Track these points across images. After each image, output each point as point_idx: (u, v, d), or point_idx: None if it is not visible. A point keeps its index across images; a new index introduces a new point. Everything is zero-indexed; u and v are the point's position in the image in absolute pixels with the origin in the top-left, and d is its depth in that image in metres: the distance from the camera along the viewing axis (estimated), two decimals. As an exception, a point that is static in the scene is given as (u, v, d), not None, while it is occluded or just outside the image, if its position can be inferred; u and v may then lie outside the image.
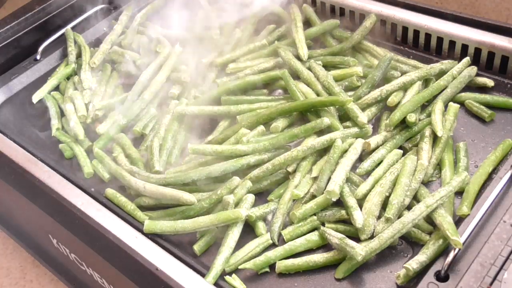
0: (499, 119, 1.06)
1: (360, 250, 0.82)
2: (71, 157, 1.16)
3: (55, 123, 1.23)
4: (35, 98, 1.29)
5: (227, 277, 0.86)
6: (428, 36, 1.22)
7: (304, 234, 0.91)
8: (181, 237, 0.95)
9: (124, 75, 1.33)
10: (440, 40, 1.20)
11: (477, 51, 1.15)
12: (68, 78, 1.35)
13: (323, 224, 0.92)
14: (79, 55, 1.39)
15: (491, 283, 0.75)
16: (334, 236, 0.87)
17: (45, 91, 1.31)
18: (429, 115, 1.05)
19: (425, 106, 1.08)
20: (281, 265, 0.87)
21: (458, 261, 0.80)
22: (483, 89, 1.12)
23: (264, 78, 1.20)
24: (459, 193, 0.92)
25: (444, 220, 0.84)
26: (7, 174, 1.07)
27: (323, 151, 1.03)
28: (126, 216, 0.97)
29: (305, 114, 1.10)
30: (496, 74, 1.15)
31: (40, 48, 1.40)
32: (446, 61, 1.15)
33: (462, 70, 1.12)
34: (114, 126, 1.17)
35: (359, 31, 1.25)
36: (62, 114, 1.26)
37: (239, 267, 0.87)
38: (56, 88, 1.34)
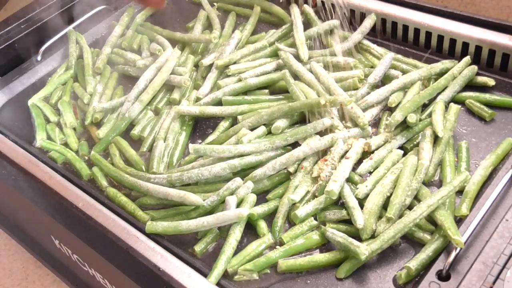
0: (499, 118, 1.06)
1: (364, 250, 0.82)
2: (65, 162, 1.15)
3: (39, 134, 1.20)
4: (31, 103, 1.29)
5: (236, 277, 0.86)
6: (428, 34, 1.22)
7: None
8: (183, 237, 0.95)
9: (124, 77, 1.33)
10: (440, 38, 1.20)
11: (478, 49, 1.15)
12: (63, 84, 1.34)
13: (324, 224, 0.92)
14: (80, 56, 1.40)
15: (494, 282, 0.75)
16: (337, 235, 0.87)
17: (41, 96, 1.30)
18: (430, 115, 1.05)
19: (426, 105, 1.08)
20: (283, 264, 0.87)
21: (460, 260, 0.80)
22: (483, 88, 1.12)
23: (266, 81, 1.20)
24: (461, 192, 0.92)
25: (445, 219, 0.84)
26: (9, 175, 1.07)
27: (324, 151, 1.03)
28: (128, 216, 0.97)
29: (306, 114, 1.10)
30: (496, 72, 1.15)
31: (41, 50, 1.40)
32: (446, 61, 1.15)
33: (462, 69, 1.12)
34: (113, 130, 1.17)
35: (359, 31, 1.25)
36: (47, 121, 1.24)
37: (240, 269, 0.87)
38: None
